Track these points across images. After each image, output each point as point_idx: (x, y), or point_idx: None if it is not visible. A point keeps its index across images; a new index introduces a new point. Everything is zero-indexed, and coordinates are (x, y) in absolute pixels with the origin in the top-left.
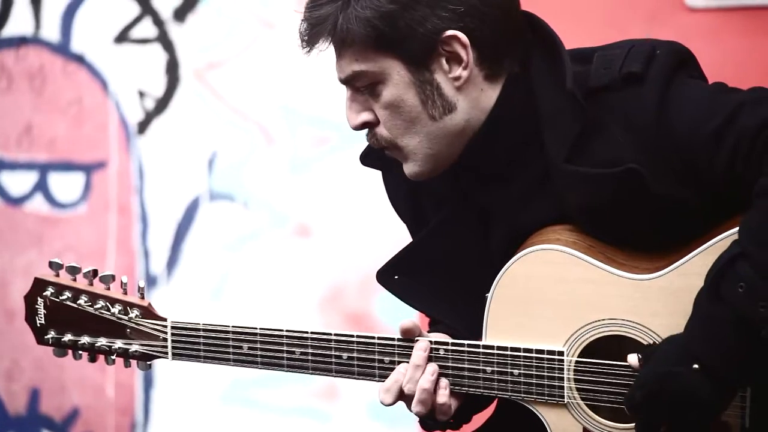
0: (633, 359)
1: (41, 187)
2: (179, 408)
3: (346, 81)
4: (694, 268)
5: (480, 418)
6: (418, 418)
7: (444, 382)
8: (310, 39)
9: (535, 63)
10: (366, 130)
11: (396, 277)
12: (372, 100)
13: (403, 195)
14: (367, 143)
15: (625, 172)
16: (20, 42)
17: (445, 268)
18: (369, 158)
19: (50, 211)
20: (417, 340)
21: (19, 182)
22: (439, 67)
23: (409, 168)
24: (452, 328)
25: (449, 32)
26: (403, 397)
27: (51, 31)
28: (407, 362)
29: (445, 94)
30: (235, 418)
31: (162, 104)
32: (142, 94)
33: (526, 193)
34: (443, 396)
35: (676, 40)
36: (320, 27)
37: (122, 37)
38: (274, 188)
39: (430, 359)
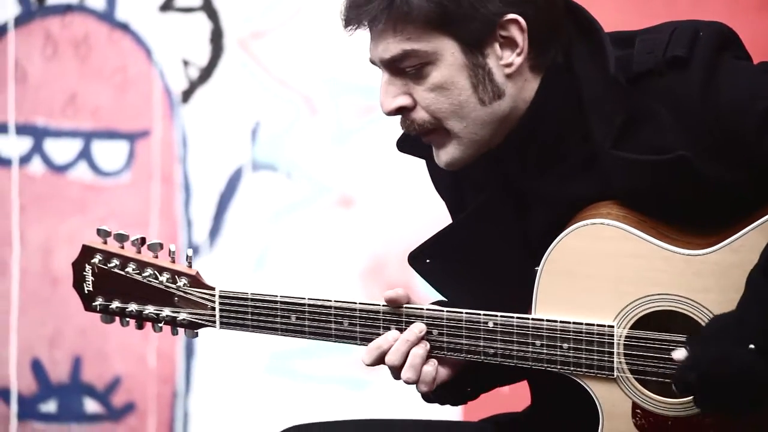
0: (677, 354)
1: (85, 155)
2: (220, 377)
3: (391, 61)
4: (747, 243)
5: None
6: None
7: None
8: (359, 16)
9: (576, 50)
10: (399, 117)
11: (428, 261)
12: (413, 82)
13: (445, 180)
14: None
15: (676, 159)
16: (66, 9)
17: (478, 255)
18: (405, 144)
19: (94, 179)
20: (421, 317)
21: (63, 150)
22: (493, 51)
23: (446, 153)
24: None
25: (510, 15)
26: (384, 362)
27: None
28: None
29: (496, 79)
30: (276, 387)
31: (206, 73)
32: (186, 63)
33: (569, 176)
34: (430, 366)
35: (723, 14)
36: (373, 3)
37: (167, 5)
38: (317, 159)
39: (477, 330)
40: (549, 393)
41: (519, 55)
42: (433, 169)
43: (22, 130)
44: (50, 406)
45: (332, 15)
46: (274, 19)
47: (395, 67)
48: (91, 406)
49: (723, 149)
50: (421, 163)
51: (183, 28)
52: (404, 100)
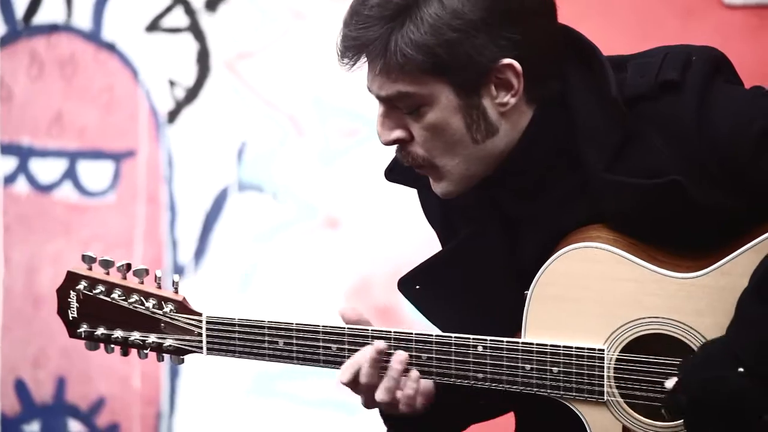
0: (669, 383)
1: (70, 175)
2: (205, 398)
3: (387, 99)
4: (738, 267)
5: None
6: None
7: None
8: (352, 57)
9: (573, 76)
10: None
11: (417, 287)
12: (411, 119)
13: (435, 210)
14: (392, 158)
15: (668, 183)
16: (51, 29)
17: (468, 283)
18: (394, 173)
19: (79, 199)
20: (371, 330)
21: (48, 170)
22: (488, 92)
23: (440, 187)
24: None
25: (506, 61)
26: (357, 387)
27: (82, 19)
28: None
29: (490, 118)
30: (261, 409)
31: (192, 94)
32: (172, 84)
33: (561, 202)
34: (410, 387)
35: (712, 38)
36: (369, 48)
37: (154, 26)
38: (303, 180)
39: (466, 354)
40: (532, 419)
41: (514, 96)
42: (424, 200)
43: (7, 149)
44: (34, 427)
45: (319, 36)
46: (261, 40)
47: (391, 103)
48: (75, 427)
49: (716, 173)
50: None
51: (169, 48)
52: (401, 134)
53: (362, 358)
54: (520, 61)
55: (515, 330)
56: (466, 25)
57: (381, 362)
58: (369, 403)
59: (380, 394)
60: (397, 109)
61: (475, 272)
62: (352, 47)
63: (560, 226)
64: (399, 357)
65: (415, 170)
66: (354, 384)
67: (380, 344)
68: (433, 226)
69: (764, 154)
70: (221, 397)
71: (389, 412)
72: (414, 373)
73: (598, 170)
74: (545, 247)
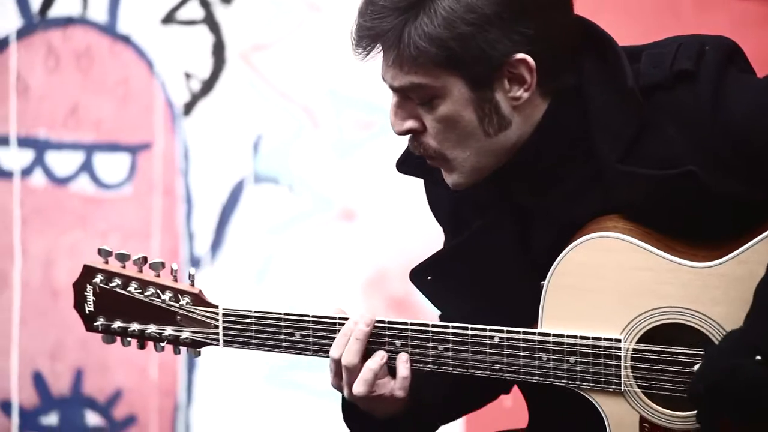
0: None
1: (87, 167)
2: (221, 389)
3: (400, 90)
4: (755, 255)
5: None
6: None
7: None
8: (366, 47)
9: (588, 68)
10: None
11: (429, 278)
12: (423, 110)
13: (444, 201)
14: (404, 149)
15: (684, 173)
16: (67, 22)
17: (480, 274)
18: (406, 165)
19: (95, 191)
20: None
21: (64, 162)
22: (501, 86)
23: (452, 178)
24: None
25: (519, 56)
26: (339, 370)
27: (98, 12)
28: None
29: (502, 111)
30: (278, 399)
31: (208, 86)
32: (188, 76)
33: (574, 193)
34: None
35: (727, 27)
36: (382, 38)
37: (169, 18)
38: (319, 172)
39: (483, 344)
40: (547, 411)
41: (527, 90)
42: (431, 193)
43: (23, 142)
44: (51, 419)
45: (334, 28)
46: (277, 32)
47: (404, 94)
48: (92, 418)
49: (731, 162)
50: None
51: (185, 40)
52: (414, 124)
53: (348, 331)
54: (533, 56)
55: (527, 322)
56: (480, 19)
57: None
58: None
59: (357, 386)
60: (410, 99)
61: (486, 263)
62: (366, 37)
63: (573, 217)
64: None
65: (426, 162)
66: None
67: (370, 317)
68: (438, 220)
69: None
70: (238, 389)
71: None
72: (403, 355)
73: (612, 161)
74: (558, 238)
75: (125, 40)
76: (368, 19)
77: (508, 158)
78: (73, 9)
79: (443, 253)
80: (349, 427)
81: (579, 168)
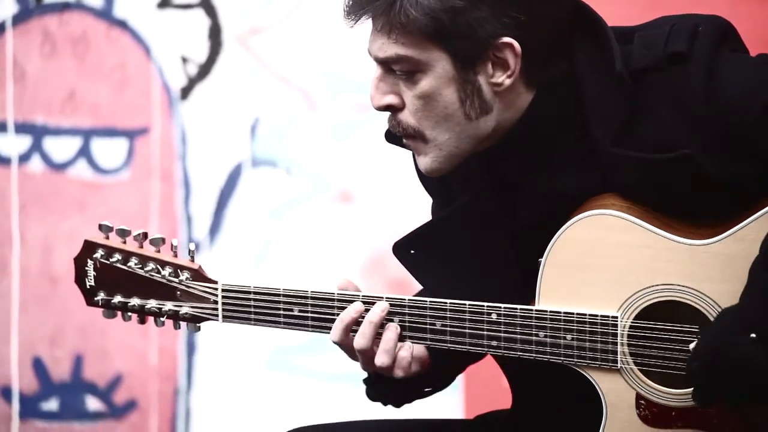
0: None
1: (84, 152)
2: (222, 374)
3: (384, 61)
4: (751, 233)
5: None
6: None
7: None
8: (358, 14)
9: (579, 50)
10: (389, 114)
11: (412, 252)
12: (404, 85)
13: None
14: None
15: (678, 156)
16: (63, 7)
17: (464, 249)
18: (394, 135)
19: (93, 176)
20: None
21: (62, 148)
22: (484, 69)
23: (426, 163)
24: None
25: (506, 39)
26: (352, 351)
27: None
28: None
29: (484, 96)
30: (278, 383)
31: (205, 70)
32: (184, 60)
33: (565, 172)
34: (405, 351)
35: (725, 3)
36: (373, 5)
37: (165, 2)
38: (316, 154)
39: (480, 321)
40: (532, 391)
41: (510, 77)
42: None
43: (21, 128)
44: (52, 405)
45: (331, 10)
46: (273, 15)
47: (388, 66)
48: (92, 404)
49: (726, 143)
50: None
51: (181, 24)
52: (393, 99)
53: (347, 316)
54: (520, 42)
55: (512, 297)
56: None
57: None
58: (366, 365)
59: (380, 357)
60: (393, 74)
61: (471, 237)
62: (358, 2)
63: (562, 190)
64: (377, 308)
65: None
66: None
67: (384, 305)
68: (426, 189)
69: None
70: (238, 373)
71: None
72: (407, 343)
73: (606, 145)
74: (546, 212)
75: (122, 25)
76: None
77: (487, 144)
78: None
79: (427, 226)
80: (375, 400)
81: (571, 146)
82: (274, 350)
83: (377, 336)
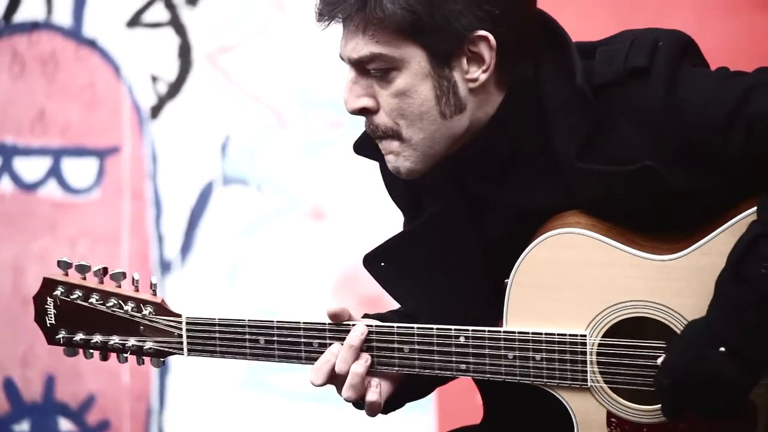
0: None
1: (54, 172)
2: (195, 394)
3: (358, 62)
4: (716, 247)
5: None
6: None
7: (375, 380)
8: (331, 12)
9: (544, 61)
10: (364, 118)
11: (382, 264)
12: (379, 85)
13: (400, 185)
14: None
15: (641, 168)
16: (32, 27)
17: (434, 261)
18: (362, 147)
19: (64, 196)
20: (354, 324)
21: (32, 168)
22: (459, 65)
23: (401, 163)
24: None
25: (481, 32)
26: (334, 379)
27: (63, 16)
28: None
29: (459, 93)
30: (251, 403)
31: (174, 88)
32: (154, 79)
33: (529, 185)
34: (373, 393)
35: (689, 18)
36: (348, 2)
37: (134, 21)
38: (287, 172)
39: (449, 344)
40: (503, 407)
41: (485, 72)
42: (387, 173)
43: None
44: (23, 426)
45: (301, 28)
46: (243, 33)
47: (362, 67)
48: (65, 425)
49: (688, 156)
50: None
51: (151, 43)
52: (368, 102)
53: (332, 356)
54: (495, 37)
55: (482, 310)
56: None
57: (357, 349)
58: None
59: (345, 392)
60: (367, 75)
61: (441, 249)
62: (332, 1)
63: (529, 205)
64: (356, 331)
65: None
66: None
67: (360, 328)
68: (395, 202)
69: (734, 135)
70: (212, 393)
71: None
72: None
73: (570, 158)
74: (514, 231)
75: (91, 44)
76: None
77: (459, 146)
78: (38, 14)
79: (397, 238)
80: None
81: (535, 158)
82: (248, 369)
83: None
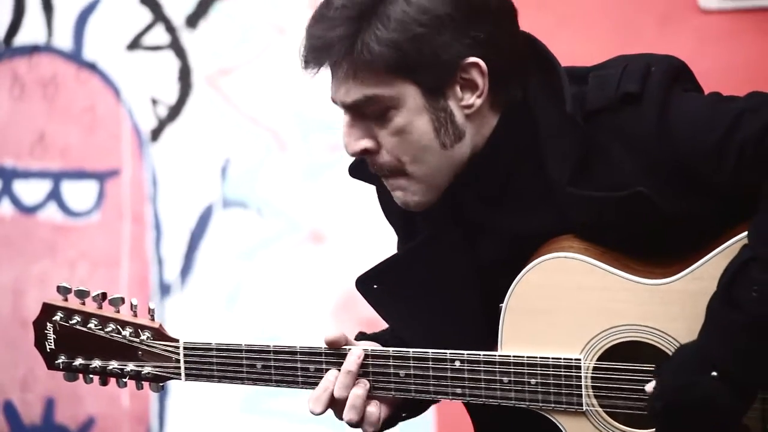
0: (649, 388)
1: (54, 195)
2: (194, 417)
3: (353, 106)
4: (709, 271)
5: None
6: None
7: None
8: (318, 59)
9: (533, 86)
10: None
11: (375, 286)
12: (377, 126)
13: (396, 208)
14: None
15: (633, 194)
16: (33, 50)
17: (427, 284)
18: (358, 170)
19: (64, 219)
20: (349, 349)
21: (32, 191)
22: (453, 94)
23: (410, 198)
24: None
25: (471, 59)
26: (333, 404)
27: (63, 39)
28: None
29: (457, 121)
30: (252, 426)
31: (175, 111)
32: (154, 102)
33: (523, 210)
34: (374, 407)
35: (689, 43)
36: (334, 48)
37: (134, 44)
38: (287, 195)
39: (444, 369)
40: (494, 428)
41: (479, 97)
42: (383, 195)
43: None
44: None
45: (300, 51)
46: (242, 56)
47: (357, 110)
48: None
49: (679, 181)
50: None
51: (151, 66)
52: (368, 143)
53: (329, 384)
54: (485, 61)
55: (477, 333)
56: (433, 21)
57: (354, 374)
58: (341, 416)
59: (348, 414)
60: (364, 117)
61: (435, 272)
62: (317, 48)
63: (523, 230)
64: (353, 356)
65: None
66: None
67: (357, 352)
68: (391, 224)
69: (725, 159)
70: (212, 416)
71: None
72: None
73: (562, 184)
74: (507, 255)
75: (91, 67)
76: (319, 30)
77: (460, 173)
78: (39, 37)
79: (390, 261)
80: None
81: (529, 183)
82: (248, 392)
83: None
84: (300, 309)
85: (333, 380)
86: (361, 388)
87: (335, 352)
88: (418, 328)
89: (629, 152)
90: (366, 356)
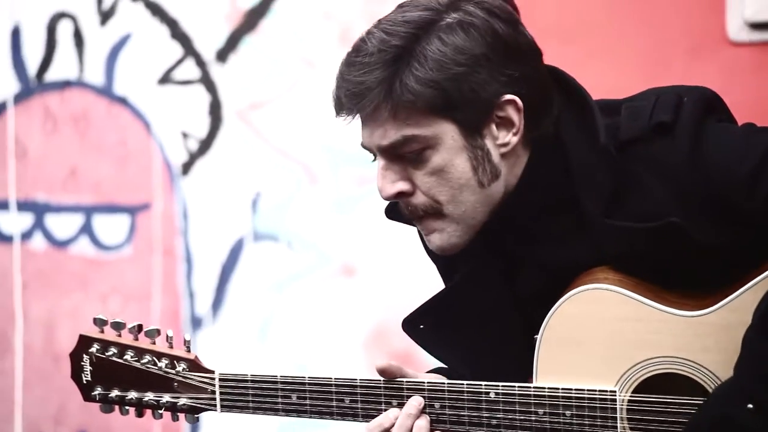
0: None
1: (86, 229)
2: None
3: (389, 148)
4: (744, 303)
5: None
6: None
7: None
8: (357, 104)
9: (564, 119)
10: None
11: (421, 326)
12: (413, 167)
13: None
14: None
15: (667, 225)
16: (64, 85)
17: (470, 320)
18: (394, 212)
19: (96, 253)
20: (405, 381)
21: (64, 225)
22: (490, 133)
23: (445, 240)
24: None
25: (507, 96)
26: None
27: (95, 74)
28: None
29: (493, 160)
30: None
31: (205, 145)
32: (185, 135)
33: (560, 239)
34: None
35: (719, 75)
36: (374, 92)
37: (165, 78)
38: (318, 228)
39: (479, 401)
40: None
41: (515, 134)
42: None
43: (23, 206)
44: None
45: (330, 84)
46: (272, 90)
47: (393, 153)
48: None
49: (713, 212)
50: None
51: (181, 100)
52: (404, 186)
53: (386, 421)
54: (520, 98)
55: (521, 365)
56: (470, 60)
57: (415, 417)
58: None
59: None
60: (399, 160)
61: (476, 310)
62: (356, 94)
63: (559, 263)
64: (414, 401)
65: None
66: None
67: (418, 399)
68: (434, 262)
69: (758, 189)
70: None
71: None
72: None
73: (596, 215)
74: (547, 287)
75: (122, 101)
76: (356, 76)
77: (495, 212)
78: (70, 72)
79: (434, 300)
80: None
81: (564, 216)
82: (281, 425)
83: None
84: (331, 342)
85: (392, 419)
86: (424, 420)
87: (370, 385)
88: (466, 363)
89: (662, 182)
90: (402, 388)
